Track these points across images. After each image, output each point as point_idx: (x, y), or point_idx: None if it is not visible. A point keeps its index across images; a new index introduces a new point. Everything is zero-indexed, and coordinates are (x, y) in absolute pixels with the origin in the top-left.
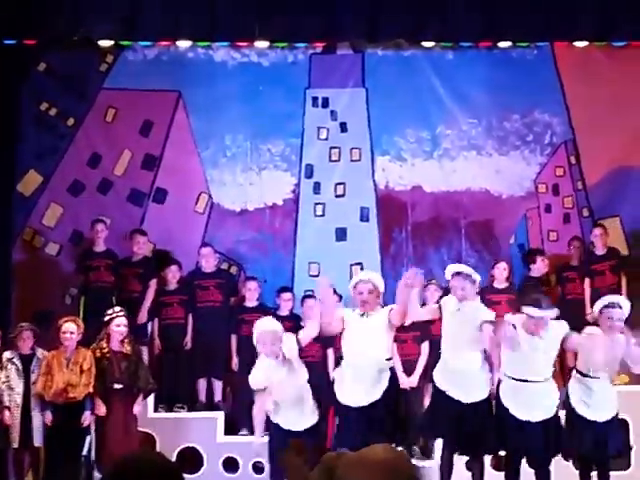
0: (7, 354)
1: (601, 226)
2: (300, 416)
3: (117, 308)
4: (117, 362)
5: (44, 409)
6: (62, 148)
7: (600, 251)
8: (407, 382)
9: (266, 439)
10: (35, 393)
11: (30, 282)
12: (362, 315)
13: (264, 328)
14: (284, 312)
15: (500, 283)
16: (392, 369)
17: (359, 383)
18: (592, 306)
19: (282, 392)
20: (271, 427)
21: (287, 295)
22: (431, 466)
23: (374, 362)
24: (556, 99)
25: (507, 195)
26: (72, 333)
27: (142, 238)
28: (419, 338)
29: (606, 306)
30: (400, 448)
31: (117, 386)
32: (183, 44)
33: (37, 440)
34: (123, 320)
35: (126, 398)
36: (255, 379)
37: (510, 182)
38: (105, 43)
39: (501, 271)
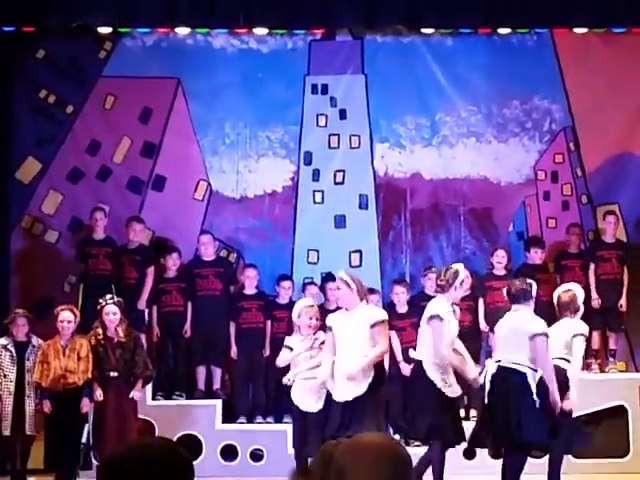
0: (1, 341)
1: (614, 214)
2: (318, 400)
3: (108, 296)
4: (112, 349)
5: (43, 398)
6: (61, 135)
7: (609, 239)
8: (407, 369)
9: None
10: (32, 382)
11: (29, 270)
12: (344, 316)
13: (307, 303)
14: (284, 300)
15: (499, 270)
16: (378, 364)
17: (344, 379)
18: (597, 292)
19: (300, 368)
20: (294, 410)
21: (287, 283)
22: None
23: (355, 358)
24: (555, 86)
25: (506, 182)
26: (69, 322)
27: (138, 225)
28: (416, 325)
29: None
30: (397, 436)
31: (113, 374)
32: (182, 31)
33: (29, 428)
34: (112, 308)
35: (121, 386)
36: (281, 359)
37: (509, 169)
38: (104, 30)
39: (500, 259)
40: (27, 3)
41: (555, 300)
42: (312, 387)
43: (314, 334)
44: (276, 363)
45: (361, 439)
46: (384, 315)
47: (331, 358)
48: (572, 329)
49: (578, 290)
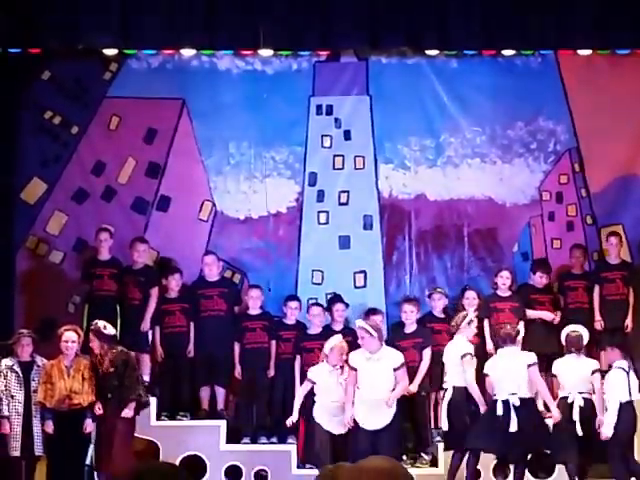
0: (7, 361)
1: (617, 235)
2: (339, 422)
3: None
4: (102, 372)
5: (45, 418)
6: (66, 156)
7: (614, 260)
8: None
9: None
10: (36, 402)
11: (34, 290)
12: (369, 359)
13: (341, 342)
14: (290, 320)
15: (503, 292)
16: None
17: (371, 411)
18: (602, 313)
19: (326, 395)
20: (314, 428)
21: (294, 304)
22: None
23: (381, 396)
24: (560, 107)
25: (511, 203)
26: (73, 342)
27: (142, 246)
28: (420, 345)
29: None
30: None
31: (109, 395)
32: (187, 52)
33: (38, 449)
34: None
35: (113, 408)
36: (312, 373)
37: (514, 190)
38: (109, 52)
39: (504, 280)
40: (33, 25)
41: (563, 338)
42: (334, 410)
43: (341, 369)
44: (299, 393)
45: (362, 463)
46: (403, 358)
47: (353, 391)
48: (591, 367)
49: (584, 332)
